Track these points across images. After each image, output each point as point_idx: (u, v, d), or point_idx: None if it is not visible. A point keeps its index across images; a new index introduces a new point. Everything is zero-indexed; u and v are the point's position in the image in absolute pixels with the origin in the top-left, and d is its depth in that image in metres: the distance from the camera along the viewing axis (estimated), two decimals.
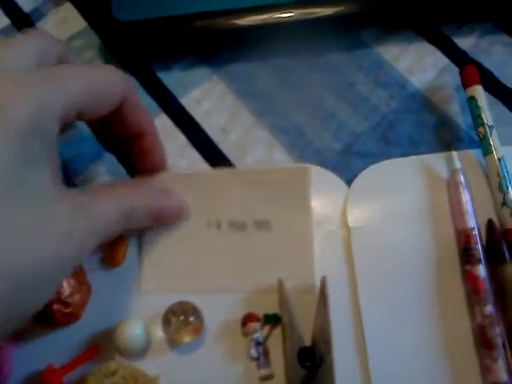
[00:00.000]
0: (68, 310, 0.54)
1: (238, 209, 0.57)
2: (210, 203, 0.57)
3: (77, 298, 0.54)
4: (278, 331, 0.57)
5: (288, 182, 0.58)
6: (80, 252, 0.44)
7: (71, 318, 0.55)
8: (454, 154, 0.59)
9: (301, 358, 0.50)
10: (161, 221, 0.55)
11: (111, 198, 0.48)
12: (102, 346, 0.58)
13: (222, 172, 0.60)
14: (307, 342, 0.54)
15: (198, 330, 0.55)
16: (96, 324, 0.58)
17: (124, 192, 0.50)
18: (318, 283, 0.56)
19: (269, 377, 0.53)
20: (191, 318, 0.53)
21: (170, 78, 0.69)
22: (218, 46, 0.69)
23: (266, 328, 0.56)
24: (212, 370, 0.56)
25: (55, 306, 0.53)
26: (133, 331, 0.55)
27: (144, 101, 0.62)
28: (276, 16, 0.65)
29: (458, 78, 0.62)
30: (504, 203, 0.56)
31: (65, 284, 0.56)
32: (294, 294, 0.55)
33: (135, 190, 0.51)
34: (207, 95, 0.67)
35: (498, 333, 0.51)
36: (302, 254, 0.56)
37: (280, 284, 0.54)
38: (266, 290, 0.58)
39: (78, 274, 0.56)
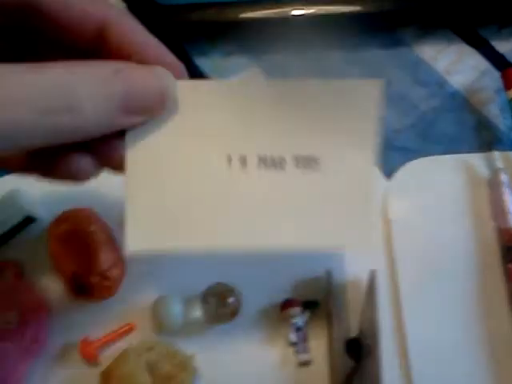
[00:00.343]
0: (107, 284, 0.54)
1: (273, 137, 0.40)
2: (233, 130, 0.40)
3: (115, 272, 0.54)
4: (316, 318, 0.56)
5: (348, 101, 0.40)
6: None
7: (108, 291, 0.55)
8: (496, 154, 0.60)
9: (348, 349, 0.50)
10: (131, 112, 0.35)
11: (24, 71, 0.31)
12: (136, 323, 0.57)
13: (255, 84, 0.40)
14: (353, 333, 0.53)
15: (236, 311, 0.54)
16: (132, 301, 0.58)
17: (51, 64, 0.32)
18: (359, 271, 0.57)
19: (307, 362, 0.53)
20: (230, 300, 0.53)
21: (208, 65, 0.69)
22: (256, 35, 0.68)
23: (306, 314, 0.54)
24: (248, 353, 0.55)
25: (94, 279, 0.53)
26: (171, 308, 0.55)
27: None
28: (315, 9, 0.65)
29: (498, 81, 0.63)
30: None
31: (104, 257, 0.55)
32: (340, 285, 0.55)
33: (82, 65, 0.33)
34: None
35: None
36: (358, 208, 0.42)
37: (328, 274, 0.54)
38: (306, 273, 0.58)
39: (116, 250, 0.56)
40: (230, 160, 0.39)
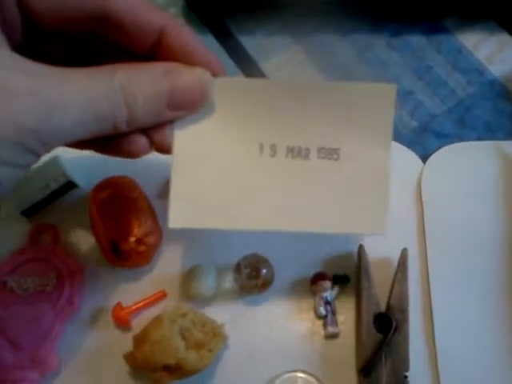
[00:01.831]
0: (143, 250, 0.55)
1: (300, 131, 0.45)
2: (265, 122, 0.45)
3: (151, 239, 0.55)
4: (345, 293, 0.57)
5: (366, 101, 0.45)
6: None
7: (144, 258, 0.56)
8: None
9: (378, 323, 0.51)
10: (177, 106, 0.42)
11: (92, 79, 0.37)
12: (169, 291, 0.58)
13: (285, 84, 0.45)
14: (381, 309, 0.54)
15: (268, 283, 0.55)
16: (165, 269, 0.60)
17: (112, 68, 0.38)
18: (390, 249, 0.58)
19: (335, 335, 0.54)
20: (263, 271, 0.54)
21: (251, 43, 0.70)
22: (300, 16, 0.68)
23: (335, 288, 0.55)
24: (277, 324, 0.57)
25: (131, 244, 0.54)
26: (205, 277, 0.56)
27: (224, 62, 0.63)
28: None
29: None
30: None
31: (144, 224, 0.57)
32: (371, 261, 0.56)
33: (130, 66, 0.39)
34: (287, 63, 0.68)
35: None
36: (375, 197, 0.47)
37: (361, 249, 0.55)
38: (337, 249, 0.59)
39: (155, 219, 0.57)
40: (261, 148, 0.45)
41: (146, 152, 0.44)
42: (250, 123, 0.44)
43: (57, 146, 0.39)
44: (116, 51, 0.44)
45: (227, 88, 0.43)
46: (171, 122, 0.44)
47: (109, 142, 0.42)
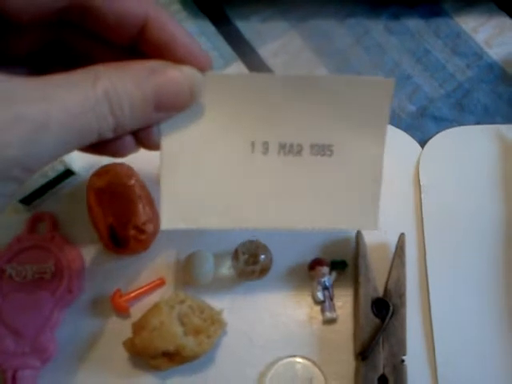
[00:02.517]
0: (142, 237, 0.55)
1: (292, 127, 0.44)
2: (256, 119, 0.43)
3: (151, 227, 0.55)
4: (343, 278, 0.57)
5: (362, 96, 0.43)
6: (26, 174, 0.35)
7: (143, 245, 0.56)
8: None
9: (375, 308, 0.51)
10: (164, 108, 0.39)
11: (74, 93, 0.35)
12: (167, 278, 0.58)
13: (276, 78, 0.43)
14: (380, 294, 0.54)
15: (267, 269, 0.55)
16: (164, 257, 0.60)
17: (94, 76, 0.36)
18: (387, 235, 0.58)
19: (333, 320, 0.54)
20: (261, 257, 0.54)
21: (249, 28, 0.70)
22: (298, 1, 0.69)
23: (333, 274, 0.55)
24: (276, 310, 0.57)
25: (130, 231, 0.54)
26: (203, 263, 0.56)
27: (221, 48, 0.64)
28: None
29: None
30: None
31: (142, 211, 0.56)
32: (368, 247, 0.56)
33: (113, 68, 0.37)
34: (284, 48, 0.68)
35: None
36: (368, 194, 0.47)
37: (359, 235, 0.55)
38: (334, 235, 0.59)
39: (152, 206, 0.57)
40: (253, 146, 0.44)
41: (132, 151, 0.43)
42: (241, 120, 0.43)
43: (40, 169, 0.37)
44: (96, 43, 0.41)
45: (216, 84, 0.42)
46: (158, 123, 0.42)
47: (94, 143, 0.40)
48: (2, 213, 0.36)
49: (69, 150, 0.37)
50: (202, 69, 0.41)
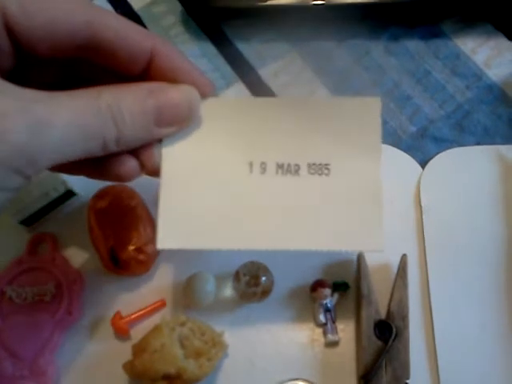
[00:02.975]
0: (143, 258, 0.55)
1: (289, 148, 0.45)
2: (254, 140, 0.45)
3: (151, 248, 0.55)
4: (345, 300, 0.57)
5: (352, 116, 0.45)
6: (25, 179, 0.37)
7: (143, 266, 0.56)
8: None
9: (378, 330, 0.51)
10: (164, 123, 0.42)
11: (79, 100, 0.37)
12: (168, 300, 0.58)
13: (271, 100, 0.46)
14: (381, 316, 0.54)
15: (268, 291, 0.55)
16: (164, 278, 0.59)
17: (97, 89, 0.38)
18: (389, 256, 0.57)
19: (335, 343, 0.54)
20: (262, 279, 0.54)
21: (249, 50, 0.70)
22: (297, 22, 0.69)
23: (335, 295, 0.54)
24: (277, 332, 0.57)
25: (131, 253, 0.54)
26: (204, 285, 0.56)
27: (222, 69, 0.64)
28: None
29: None
30: None
31: (143, 232, 0.57)
32: (370, 268, 0.56)
33: (116, 88, 0.40)
34: (285, 69, 0.68)
35: None
36: (370, 213, 0.46)
37: (360, 257, 0.55)
38: (336, 256, 0.59)
39: (153, 227, 0.57)
40: (251, 166, 0.45)
41: (136, 175, 0.44)
42: (239, 141, 0.44)
43: (45, 167, 0.38)
44: (106, 74, 0.44)
45: (215, 108, 0.44)
46: (159, 141, 0.44)
47: (98, 165, 0.43)
48: (2, 212, 0.36)
49: (75, 154, 0.38)
50: (205, 94, 0.44)
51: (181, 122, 0.43)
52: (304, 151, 0.45)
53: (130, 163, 0.43)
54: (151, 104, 0.40)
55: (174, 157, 0.44)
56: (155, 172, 0.44)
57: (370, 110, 0.45)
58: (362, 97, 0.45)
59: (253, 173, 0.45)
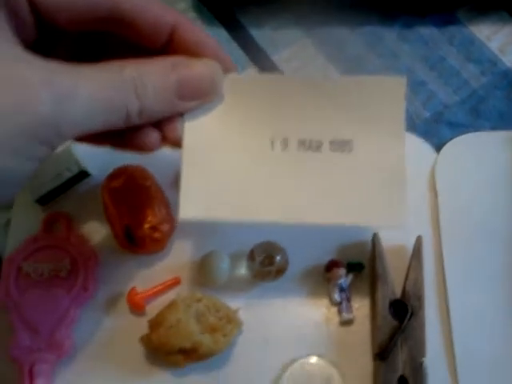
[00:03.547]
0: (157, 236, 0.55)
1: (311, 124, 0.45)
2: (276, 116, 0.45)
3: (166, 227, 0.56)
4: (359, 280, 0.58)
5: (377, 95, 0.45)
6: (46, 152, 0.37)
7: (158, 244, 0.57)
8: None
9: (393, 310, 0.51)
10: (186, 97, 0.42)
11: (102, 73, 0.38)
12: (182, 277, 0.59)
13: (294, 78, 0.46)
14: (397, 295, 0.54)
15: (282, 270, 0.55)
16: (179, 256, 0.60)
17: (121, 63, 0.38)
18: (403, 238, 0.58)
19: (350, 321, 0.54)
20: (277, 258, 0.54)
21: (262, 36, 0.71)
22: (310, 9, 0.69)
23: (349, 275, 0.55)
24: (292, 311, 0.57)
25: (146, 231, 0.54)
26: (219, 263, 0.56)
27: (235, 55, 0.66)
28: None
29: None
30: None
31: (157, 211, 0.57)
32: (385, 249, 0.56)
33: (139, 61, 0.40)
34: (297, 55, 0.68)
35: None
36: (392, 187, 0.46)
37: (375, 237, 0.55)
38: (351, 236, 0.59)
39: (167, 207, 0.58)
40: (273, 142, 0.45)
41: (157, 146, 0.44)
42: (261, 117, 0.44)
43: (70, 137, 0.39)
44: (128, 48, 0.44)
45: (237, 84, 0.44)
46: (182, 115, 0.44)
47: (122, 136, 0.43)
48: (28, 179, 0.36)
49: (98, 125, 0.39)
50: (227, 70, 0.44)
51: (203, 96, 0.43)
52: (326, 128, 0.44)
53: (152, 134, 0.43)
54: (174, 78, 0.40)
55: (195, 130, 0.44)
56: (176, 144, 0.44)
57: (394, 88, 0.45)
58: (386, 76, 0.46)
59: (274, 149, 0.45)
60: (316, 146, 0.45)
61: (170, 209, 0.56)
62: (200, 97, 0.43)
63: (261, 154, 0.45)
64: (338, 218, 0.46)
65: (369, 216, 0.46)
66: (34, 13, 0.40)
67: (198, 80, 0.42)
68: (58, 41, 0.44)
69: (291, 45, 0.69)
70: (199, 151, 0.44)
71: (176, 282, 0.57)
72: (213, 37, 0.43)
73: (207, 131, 0.44)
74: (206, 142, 0.44)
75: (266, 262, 0.54)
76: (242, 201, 0.45)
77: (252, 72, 0.65)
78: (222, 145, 0.44)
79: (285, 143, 0.44)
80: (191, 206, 0.44)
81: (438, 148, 0.62)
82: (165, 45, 0.43)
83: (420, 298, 0.52)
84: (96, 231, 0.60)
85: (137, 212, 0.56)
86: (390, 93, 0.45)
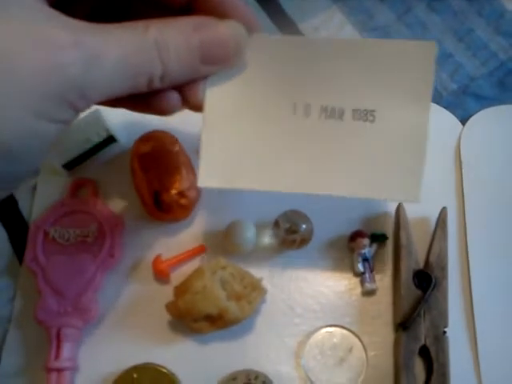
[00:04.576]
0: (185, 202, 0.55)
1: (335, 90, 0.43)
2: (299, 80, 0.43)
3: (193, 193, 0.56)
4: (382, 251, 0.58)
5: (405, 60, 0.43)
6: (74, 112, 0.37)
7: (185, 210, 0.57)
8: None
9: (417, 280, 0.52)
10: (210, 60, 0.40)
11: (128, 34, 0.36)
12: (207, 245, 0.59)
13: (320, 40, 0.44)
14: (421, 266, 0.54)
15: (307, 239, 0.56)
16: (204, 225, 0.60)
17: (145, 24, 0.37)
18: (428, 209, 0.58)
19: (373, 291, 0.54)
20: (302, 226, 0.54)
21: (290, 4, 0.70)
22: None
23: (373, 246, 0.55)
24: (315, 281, 0.58)
25: (173, 196, 0.54)
26: (245, 232, 0.56)
27: (263, 23, 0.65)
28: None
29: None
30: None
31: (186, 177, 0.57)
32: (410, 220, 0.56)
33: (163, 22, 0.38)
34: (326, 24, 0.68)
35: None
36: (411, 164, 0.44)
37: (400, 208, 0.56)
38: (375, 207, 0.60)
39: (194, 174, 0.59)
40: (295, 107, 0.43)
41: (177, 109, 0.43)
42: (284, 82, 0.43)
43: (95, 101, 0.38)
44: (150, 7, 0.43)
45: (261, 45, 0.42)
46: (204, 78, 0.43)
47: (141, 98, 0.42)
48: (53, 143, 0.36)
49: (122, 88, 0.38)
50: (251, 30, 0.42)
51: (227, 60, 0.41)
52: (350, 95, 0.43)
53: (173, 97, 0.41)
54: (197, 40, 0.38)
55: (217, 95, 0.42)
56: (198, 108, 0.43)
57: (423, 54, 0.42)
58: (416, 40, 0.43)
59: (296, 114, 0.43)
60: (338, 115, 0.43)
61: (196, 176, 0.56)
62: (224, 61, 0.41)
63: (283, 120, 0.43)
64: (353, 191, 0.45)
65: (384, 190, 0.45)
66: None
67: (223, 43, 0.40)
68: (75, 1, 0.42)
69: (319, 13, 0.69)
70: (220, 117, 0.43)
71: (201, 250, 0.57)
72: None
73: (229, 96, 0.43)
74: (228, 107, 0.43)
75: (291, 230, 0.54)
76: (261, 170, 0.44)
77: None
78: (243, 110, 0.43)
79: (307, 109, 0.43)
80: (211, 174, 0.44)
81: (464, 120, 0.62)
82: (188, 2, 0.41)
83: (443, 269, 0.53)
84: (122, 198, 0.61)
85: (164, 178, 0.56)
86: (419, 58, 0.42)
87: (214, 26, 0.39)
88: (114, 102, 0.43)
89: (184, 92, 0.42)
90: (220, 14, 0.40)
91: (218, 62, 0.41)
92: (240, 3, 0.42)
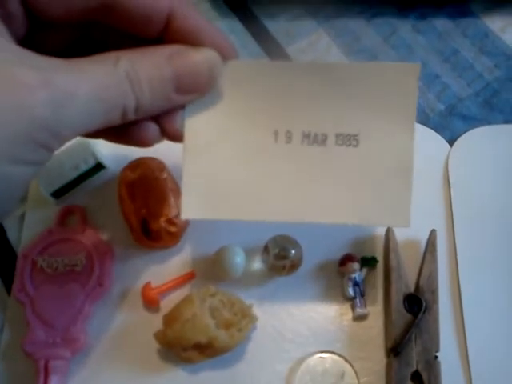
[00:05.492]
0: (173, 230, 0.55)
1: (316, 116, 0.42)
2: (279, 107, 0.42)
3: (182, 220, 0.56)
4: (373, 275, 0.58)
5: (388, 82, 0.42)
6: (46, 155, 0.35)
7: (173, 238, 0.57)
8: None
9: (407, 304, 0.52)
10: (184, 90, 0.39)
11: (98, 67, 0.35)
12: (197, 272, 0.58)
13: (300, 65, 0.42)
14: (411, 290, 0.54)
15: (297, 264, 0.55)
16: (193, 251, 0.60)
17: (115, 56, 0.36)
18: (417, 232, 0.58)
19: (364, 316, 0.54)
20: (292, 252, 0.54)
21: (277, 27, 0.70)
22: (324, 0, 0.68)
23: (363, 270, 0.55)
24: (306, 306, 0.57)
25: (162, 224, 0.54)
26: (234, 258, 0.56)
27: (250, 46, 0.66)
28: None
29: None
30: None
31: (174, 204, 0.57)
32: (399, 243, 0.56)
33: (134, 52, 0.37)
34: (312, 47, 0.68)
35: None
36: (398, 188, 0.43)
37: (389, 231, 0.55)
38: (364, 231, 0.59)
39: None
40: (276, 135, 0.42)
41: (156, 140, 0.43)
42: (264, 109, 0.42)
43: (68, 139, 0.37)
44: (122, 38, 0.42)
45: (238, 72, 0.41)
46: (182, 107, 0.42)
47: (119, 130, 0.41)
48: (28, 184, 0.35)
49: (95, 124, 0.37)
50: (227, 57, 0.41)
51: (202, 89, 0.40)
52: (332, 120, 0.42)
53: (151, 129, 0.41)
54: (170, 70, 0.38)
55: (196, 124, 0.42)
56: (177, 138, 0.42)
57: (407, 76, 0.41)
58: (399, 62, 0.43)
59: (278, 142, 0.42)
60: (321, 140, 0.42)
61: None
62: (198, 89, 0.40)
63: (264, 147, 0.42)
64: (341, 218, 0.44)
65: (373, 217, 0.44)
66: (23, 6, 0.38)
67: (196, 72, 0.39)
68: (48, 35, 0.42)
69: (306, 36, 0.70)
70: (201, 147, 0.42)
71: (191, 277, 0.57)
72: (225, 30, 0.42)
73: (209, 125, 0.42)
74: (208, 136, 0.42)
75: (281, 256, 0.53)
76: (245, 200, 0.43)
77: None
78: (224, 139, 0.42)
79: (288, 136, 0.42)
80: (194, 205, 0.43)
81: (452, 141, 0.62)
82: (161, 33, 0.40)
83: (434, 292, 0.53)
84: (111, 225, 0.60)
85: (153, 205, 0.56)
86: (402, 80, 0.41)
87: (186, 54, 0.39)
88: (93, 135, 0.42)
89: (162, 122, 0.42)
90: (194, 41, 0.39)
91: (193, 90, 0.40)
92: (214, 30, 0.41)
